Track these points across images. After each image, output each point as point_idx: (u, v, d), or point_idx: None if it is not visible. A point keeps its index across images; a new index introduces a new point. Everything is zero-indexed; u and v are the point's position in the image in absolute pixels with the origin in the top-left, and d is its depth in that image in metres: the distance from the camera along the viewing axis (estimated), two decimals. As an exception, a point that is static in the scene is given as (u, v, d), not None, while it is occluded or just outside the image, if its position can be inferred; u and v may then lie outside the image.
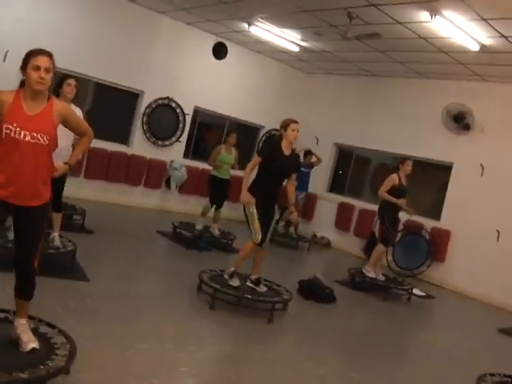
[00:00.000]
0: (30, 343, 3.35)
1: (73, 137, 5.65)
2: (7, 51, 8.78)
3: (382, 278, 8.22)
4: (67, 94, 5.50)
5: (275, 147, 5.92)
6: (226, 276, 5.96)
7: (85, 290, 5.28)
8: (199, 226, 9.00)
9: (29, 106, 3.25)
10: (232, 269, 5.96)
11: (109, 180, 10.73)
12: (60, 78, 5.53)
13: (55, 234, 5.85)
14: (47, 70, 3.21)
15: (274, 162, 5.78)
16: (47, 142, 3.27)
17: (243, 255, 5.98)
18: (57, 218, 5.84)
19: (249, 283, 6.00)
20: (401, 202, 7.93)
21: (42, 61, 3.20)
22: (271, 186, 5.90)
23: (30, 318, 3.73)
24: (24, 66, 3.24)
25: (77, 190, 9.04)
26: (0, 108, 3.19)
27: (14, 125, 3.17)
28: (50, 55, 3.27)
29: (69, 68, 9.17)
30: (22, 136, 3.18)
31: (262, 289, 5.95)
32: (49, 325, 3.75)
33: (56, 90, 5.45)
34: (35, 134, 3.21)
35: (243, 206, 5.90)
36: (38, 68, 3.18)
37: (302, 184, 11.17)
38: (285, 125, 5.86)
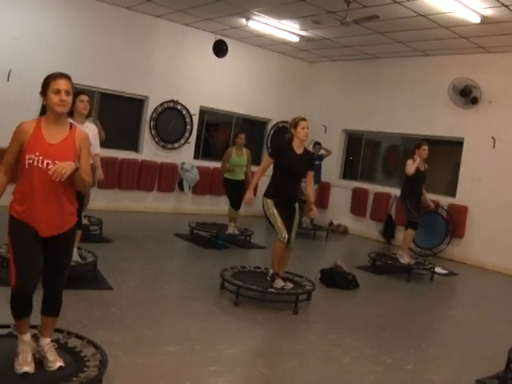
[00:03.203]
0: (57, 362, 3.37)
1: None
2: (10, 70, 8.84)
3: (411, 261, 8.25)
4: (82, 110, 5.52)
5: (286, 147, 5.88)
6: (268, 278, 5.97)
7: (109, 298, 5.33)
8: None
9: (51, 133, 3.21)
10: (271, 271, 5.97)
11: (122, 188, 10.80)
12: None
13: (73, 249, 5.81)
14: (67, 93, 3.21)
15: (285, 162, 5.77)
16: None
17: (275, 256, 5.91)
18: (76, 234, 5.81)
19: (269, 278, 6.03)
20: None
21: (62, 84, 3.19)
22: (288, 186, 5.87)
23: (59, 331, 3.77)
24: (44, 91, 3.22)
25: (91, 200, 9.03)
26: (22, 138, 3.15)
27: (37, 154, 3.12)
28: (68, 78, 3.26)
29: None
30: (44, 165, 3.13)
31: (277, 284, 5.87)
32: (78, 337, 3.77)
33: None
34: (58, 163, 3.12)
35: (263, 209, 5.92)
36: (58, 91, 3.17)
37: (315, 177, 11.05)
38: (294, 123, 5.82)
